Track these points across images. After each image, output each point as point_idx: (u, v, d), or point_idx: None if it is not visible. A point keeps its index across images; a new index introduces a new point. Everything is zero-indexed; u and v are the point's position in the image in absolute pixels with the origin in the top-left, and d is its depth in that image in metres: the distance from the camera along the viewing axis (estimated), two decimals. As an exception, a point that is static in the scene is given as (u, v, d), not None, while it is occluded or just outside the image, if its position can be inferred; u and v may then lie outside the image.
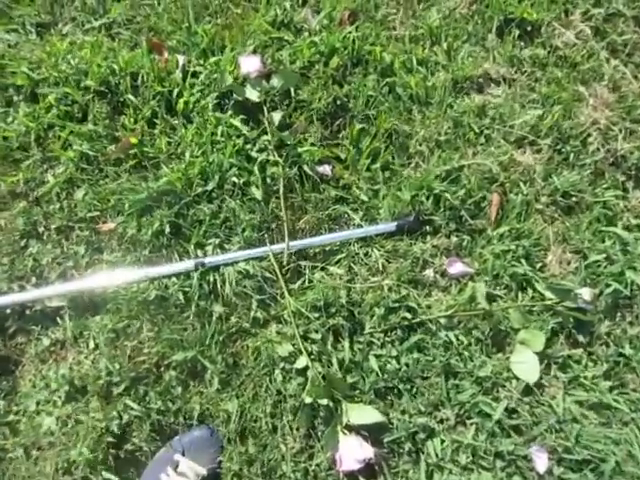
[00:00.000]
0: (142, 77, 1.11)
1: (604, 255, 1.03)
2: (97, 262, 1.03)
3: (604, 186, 1.09)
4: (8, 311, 1.00)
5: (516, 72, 1.19)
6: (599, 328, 1.01)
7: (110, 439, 0.92)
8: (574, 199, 1.09)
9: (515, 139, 1.13)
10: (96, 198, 1.04)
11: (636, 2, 1.23)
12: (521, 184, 1.09)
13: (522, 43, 1.21)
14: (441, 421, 0.96)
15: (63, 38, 1.14)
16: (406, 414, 0.95)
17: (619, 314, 1.01)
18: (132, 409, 0.93)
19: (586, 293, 0.99)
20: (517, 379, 0.97)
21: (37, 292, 1.00)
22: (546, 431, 0.95)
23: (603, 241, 1.05)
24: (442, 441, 0.94)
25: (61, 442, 0.94)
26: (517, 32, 1.20)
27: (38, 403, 0.97)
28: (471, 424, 0.95)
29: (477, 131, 1.12)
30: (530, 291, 1.03)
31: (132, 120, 1.09)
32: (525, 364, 0.97)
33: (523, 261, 1.04)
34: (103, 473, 0.91)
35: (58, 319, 1.00)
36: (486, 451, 0.93)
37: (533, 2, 1.22)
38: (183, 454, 0.93)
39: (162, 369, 0.98)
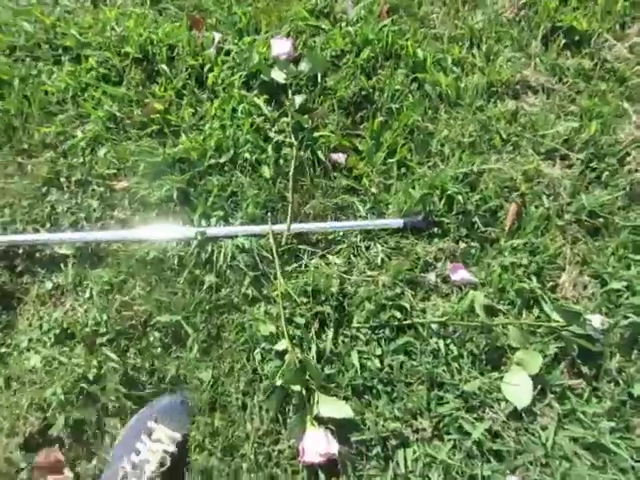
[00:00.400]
0: (178, 50, 1.16)
1: (626, 284, 0.95)
2: (107, 217, 1.08)
3: (638, 210, 1.00)
4: (20, 250, 1.06)
5: (557, 82, 1.14)
6: (608, 362, 0.92)
7: (84, 385, 0.95)
8: (601, 220, 1.01)
9: (545, 150, 1.07)
10: (116, 157, 1.09)
11: None
12: (544, 197, 1.03)
13: (568, 52, 1.16)
14: (417, 431, 0.91)
15: (112, 8, 1.21)
16: (381, 417, 0.91)
17: (635, 351, 0.93)
18: (111, 360, 0.96)
19: (597, 320, 0.91)
20: (506, 401, 0.90)
21: (48, 236, 1.05)
22: (530, 463, 0.87)
23: (628, 269, 0.97)
24: (414, 452, 0.89)
25: (41, 380, 0.97)
26: (564, 41, 1.15)
27: (30, 341, 1.01)
28: (448, 440, 0.89)
29: (504, 137, 1.08)
30: (536, 310, 0.96)
31: (162, 89, 1.14)
32: (517, 386, 0.90)
33: (533, 278, 0.97)
34: (70, 415, 0.93)
35: (62, 266, 1.05)
36: (460, 472, 0.87)
37: (586, 12, 1.16)
38: (156, 421, 0.94)
39: (147, 329, 1.00)
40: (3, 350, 1.01)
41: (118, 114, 1.11)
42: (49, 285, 1.05)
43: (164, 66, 1.14)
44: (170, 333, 0.99)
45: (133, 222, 1.07)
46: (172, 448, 0.90)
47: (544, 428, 0.89)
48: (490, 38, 1.16)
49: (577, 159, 1.05)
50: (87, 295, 1.03)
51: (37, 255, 1.07)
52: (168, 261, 1.02)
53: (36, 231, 1.07)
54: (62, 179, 1.10)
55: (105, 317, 0.99)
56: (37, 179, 1.10)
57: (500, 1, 1.19)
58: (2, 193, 1.09)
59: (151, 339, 0.99)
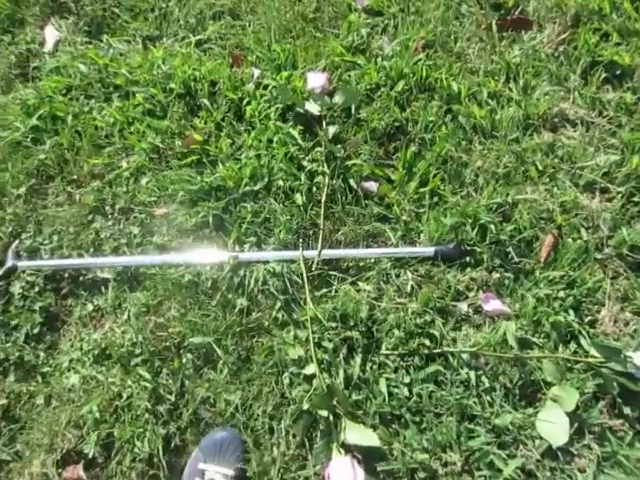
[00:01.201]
0: (219, 85, 1.31)
1: (671, 321, 0.97)
2: (147, 243, 1.20)
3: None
4: (65, 274, 1.20)
5: (597, 115, 1.20)
6: (647, 405, 0.93)
7: (118, 403, 1.04)
8: (643, 255, 1.05)
9: (584, 183, 1.13)
10: (157, 185, 1.23)
11: None
12: (582, 229, 1.08)
13: (608, 87, 1.22)
14: (446, 464, 0.94)
15: (159, 49, 1.39)
16: (409, 447, 0.95)
17: (682, 392, 0.93)
18: (144, 380, 1.05)
19: (638, 357, 0.93)
20: (541, 439, 0.93)
21: (92, 261, 1.19)
22: (567, 506, 0.89)
23: (672, 305, 0.99)
24: (444, 487, 0.92)
25: (79, 398, 1.08)
26: (604, 75, 1.22)
27: (71, 361, 1.13)
28: (479, 476, 0.92)
29: (541, 168, 1.14)
30: (573, 345, 0.99)
31: (203, 121, 1.28)
32: (553, 424, 0.92)
33: (571, 311, 1.01)
34: (105, 430, 1.02)
35: (103, 289, 1.18)
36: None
37: (628, 48, 1.23)
38: (205, 462, 1.01)
39: (180, 350, 1.10)
40: (46, 369, 1.12)
41: (161, 145, 1.26)
42: (90, 307, 1.17)
43: (205, 100, 1.29)
44: (202, 355, 1.08)
45: (170, 247, 1.19)
46: None
47: (582, 470, 0.91)
48: (527, 72, 1.24)
49: (618, 192, 1.10)
50: (125, 317, 1.14)
51: (80, 279, 1.20)
52: (202, 284, 1.13)
53: (80, 256, 1.21)
54: (107, 207, 1.25)
55: (141, 338, 1.09)
56: (84, 207, 1.25)
57: (538, 37, 1.27)
58: (52, 221, 1.24)
59: (184, 360, 1.08)
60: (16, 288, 1.18)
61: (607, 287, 1.03)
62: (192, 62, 1.34)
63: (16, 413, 1.09)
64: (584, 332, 0.99)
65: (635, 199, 1.10)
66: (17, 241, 1.22)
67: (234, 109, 1.29)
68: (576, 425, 0.92)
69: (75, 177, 1.28)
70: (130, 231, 1.22)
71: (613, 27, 1.24)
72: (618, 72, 1.22)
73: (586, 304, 1.02)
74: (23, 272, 1.19)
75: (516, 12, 1.31)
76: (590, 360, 0.95)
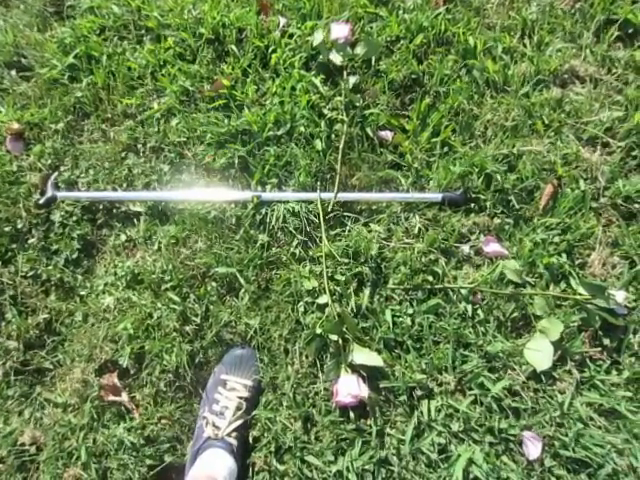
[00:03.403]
0: (246, 32, 1.38)
1: (655, 266, 1.08)
2: (176, 180, 1.32)
3: (674, 198, 1.13)
4: (100, 206, 1.32)
5: (606, 73, 1.27)
6: (631, 338, 1.05)
7: (149, 322, 1.19)
8: (637, 206, 1.14)
9: (587, 137, 1.21)
10: (186, 127, 1.33)
11: None
12: (581, 180, 1.17)
13: (620, 45, 1.28)
14: (441, 384, 1.08)
15: (191, -10, 1.46)
16: (409, 369, 1.09)
17: (659, 330, 1.05)
18: (174, 302, 1.19)
19: (621, 296, 1.05)
20: (528, 365, 1.06)
21: (125, 194, 1.30)
22: (546, 422, 1.02)
23: (659, 252, 1.09)
24: (438, 403, 1.06)
25: (114, 318, 1.22)
26: (617, 33, 1.28)
27: (105, 284, 1.26)
28: (470, 394, 1.06)
29: (547, 122, 1.22)
30: (563, 285, 1.10)
31: (231, 67, 1.37)
32: (539, 351, 1.05)
33: (564, 255, 1.12)
34: (138, 345, 1.17)
35: (136, 221, 1.30)
36: (479, 424, 1.03)
37: (642, 5, 1.29)
38: (227, 373, 1.15)
39: (206, 279, 1.23)
40: (83, 292, 1.26)
41: (190, 89, 1.35)
42: (123, 237, 1.30)
43: (233, 47, 1.37)
44: (225, 284, 1.21)
45: (198, 185, 1.30)
46: (245, 393, 1.12)
47: (562, 392, 1.04)
48: (543, 29, 1.30)
49: (618, 147, 1.18)
50: (155, 247, 1.27)
51: (114, 211, 1.32)
52: (227, 220, 1.25)
53: (114, 190, 1.33)
54: (139, 145, 1.35)
55: (170, 267, 1.22)
56: (118, 145, 1.35)
57: (556, -7, 1.33)
58: (88, 156, 1.35)
59: (209, 288, 1.21)
60: (56, 217, 1.30)
61: (599, 233, 1.13)
62: (221, 8, 1.41)
63: (57, 327, 1.24)
64: (574, 273, 1.10)
65: (634, 153, 1.18)
66: (56, 173, 1.34)
67: (260, 56, 1.37)
68: (559, 353, 1.05)
69: (109, 115, 1.38)
70: (161, 169, 1.33)
71: (629, -14, 1.29)
72: (630, 30, 1.28)
73: (578, 248, 1.13)
74: (62, 202, 1.31)
75: (537, -32, 1.35)
76: (577, 297, 1.07)
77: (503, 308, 1.10)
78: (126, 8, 1.46)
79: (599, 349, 1.05)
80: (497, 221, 1.18)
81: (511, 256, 1.14)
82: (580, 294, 1.07)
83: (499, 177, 1.18)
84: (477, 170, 1.19)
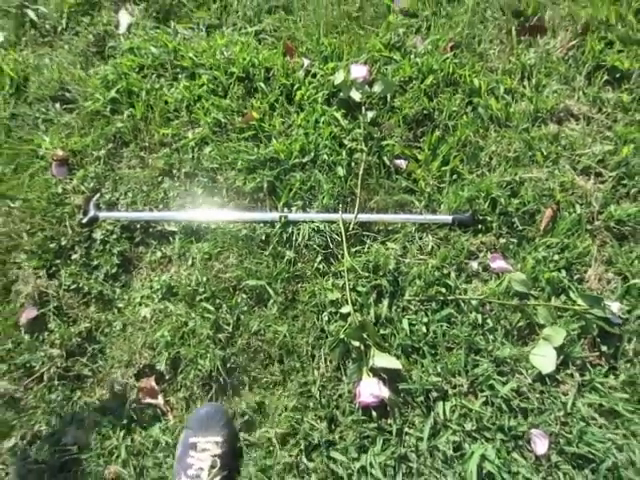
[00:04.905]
0: (273, 71, 1.56)
1: (645, 282, 1.22)
2: (208, 202, 1.46)
3: (660, 221, 1.28)
4: (138, 225, 1.46)
5: (597, 112, 1.44)
6: (626, 345, 1.18)
7: (184, 330, 1.31)
8: (628, 228, 1.29)
9: (581, 167, 1.37)
10: (219, 154, 1.48)
11: None
12: (577, 205, 1.32)
13: (609, 87, 1.47)
14: (455, 387, 1.20)
15: (222, 37, 1.64)
16: (425, 373, 1.21)
17: (651, 339, 1.19)
18: (208, 312, 1.31)
19: (615, 307, 1.18)
20: (533, 368, 1.18)
21: (161, 215, 1.45)
22: (551, 421, 1.14)
23: (649, 269, 1.24)
24: (452, 404, 1.18)
25: (150, 327, 1.34)
26: (606, 77, 1.47)
27: (142, 297, 1.39)
28: (481, 396, 1.18)
29: (545, 154, 1.39)
30: (563, 297, 1.24)
31: (259, 102, 1.54)
32: (543, 356, 1.18)
33: (563, 271, 1.26)
34: (174, 351, 1.29)
35: (171, 239, 1.44)
36: (490, 423, 1.15)
37: (629, 55, 1.48)
38: (196, 435, 1.20)
39: (237, 291, 1.36)
40: (121, 304, 1.39)
41: (223, 120, 1.51)
42: (159, 254, 1.43)
43: (261, 84, 1.55)
44: (255, 295, 1.34)
45: (229, 207, 1.45)
46: (218, 450, 1.17)
47: (565, 394, 1.16)
48: (540, 73, 1.48)
49: (609, 176, 1.34)
50: (190, 263, 1.40)
51: (151, 230, 1.45)
52: (256, 238, 1.39)
53: (151, 211, 1.47)
54: (174, 171, 1.51)
55: (204, 279, 1.35)
56: (154, 170, 1.50)
57: (552, 42, 1.52)
58: (127, 180, 1.50)
59: (239, 299, 1.34)
60: (97, 235, 1.43)
61: (594, 252, 1.28)
62: (250, 50, 1.59)
63: (97, 336, 1.36)
64: (573, 287, 1.24)
65: (624, 182, 1.34)
66: (97, 195, 1.48)
67: (286, 93, 1.54)
68: (562, 357, 1.17)
69: (147, 144, 1.54)
70: (195, 192, 1.48)
71: (617, 36, 1.48)
72: (618, 75, 1.46)
73: (576, 265, 1.27)
74: (104, 222, 1.45)
75: (534, 19, 1.55)
76: (576, 307, 1.20)
77: (510, 318, 1.24)
78: (163, 49, 1.64)
79: (597, 354, 1.18)
80: (502, 240, 1.32)
81: (516, 271, 1.28)
82: (579, 305, 1.21)
83: (503, 201, 1.33)
84: (483, 195, 1.35)
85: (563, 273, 1.26)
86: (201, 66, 1.61)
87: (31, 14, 1.76)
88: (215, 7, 1.72)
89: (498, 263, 1.29)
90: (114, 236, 1.44)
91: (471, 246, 1.32)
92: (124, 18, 1.73)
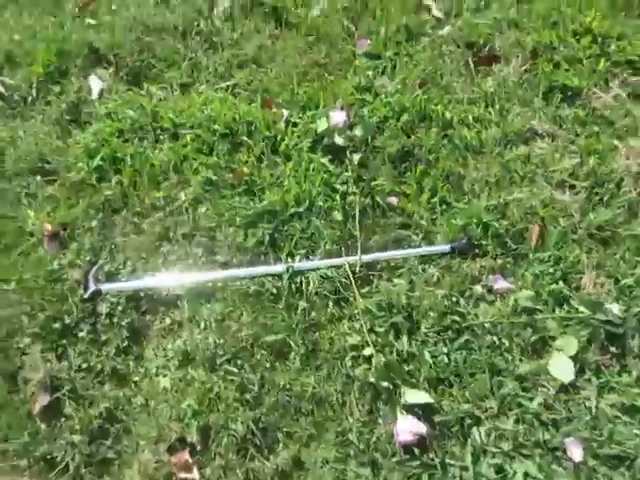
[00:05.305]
0: (255, 124, 1.45)
1: (635, 279, 1.19)
2: (211, 261, 1.32)
3: (636, 222, 1.26)
4: (142, 294, 1.30)
5: (558, 128, 1.42)
6: (630, 343, 1.15)
7: (210, 396, 1.16)
8: (608, 233, 1.27)
9: (556, 182, 1.34)
10: (215, 212, 1.35)
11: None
12: (560, 218, 1.29)
13: (565, 105, 1.45)
14: (485, 410, 1.12)
15: (199, 94, 1.51)
16: (455, 401, 1.13)
17: (649, 332, 1.16)
18: (232, 374, 1.18)
19: (615, 309, 1.15)
20: (554, 380, 1.12)
21: (164, 280, 1.29)
22: (581, 427, 1.08)
23: (635, 268, 1.22)
24: (486, 427, 1.10)
25: (173, 397, 1.19)
26: (560, 96, 1.45)
27: (157, 367, 1.23)
28: (512, 414, 1.11)
29: (522, 174, 1.35)
30: (566, 306, 1.20)
31: (245, 156, 1.42)
32: (561, 367, 1.12)
33: (560, 282, 1.22)
34: (203, 419, 1.14)
35: (178, 303, 1.29)
36: (526, 439, 1.08)
37: (576, 73, 1.47)
38: None
39: (255, 349, 1.23)
40: (137, 378, 1.22)
41: (213, 178, 1.38)
42: (168, 320, 1.28)
43: (245, 138, 1.43)
44: (274, 351, 1.22)
45: (232, 263, 1.31)
46: None
47: (587, 398, 1.11)
48: (501, 98, 1.45)
49: (582, 187, 1.32)
50: (202, 326, 1.26)
51: (156, 297, 1.30)
52: (266, 292, 1.26)
53: (154, 277, 1.31)
54: (171, 234, 1.36)
55: (222, 341, 1.21)
56: (151, 235, 1.35)
57: (505, 69, 1.49)
58: (124, 248, 1.34)
59: (259, 357, 1.21)
60: (102, 308, 1.27)
61: (584, 259, 1.24)
62: (229, 106, 1.47)
63: (118, 415, 1.19)
64: (573, 295, 1.20)
65: (596, 190, 1.32)
66: (96, 267, 1.31)
67: (270, 144, 1.43)
68: (578, 365, 1.13)
69: (139, 209, 1.38)
70: (195, 252, 1.33)
71: (563, 57, 1.47)
72: (570, 93, 1.45)
73: (571, 274, 1.23)
74: (107, 294, 1.28)
75: (486, 50, 1.52)
76: (580, 315, 1.16)
77: (522, 335, 1.18)
78: (141, 111, 1.49)
79: (608, 356, 1.14)
80: (499, 261, 1.27)
81: (519, 288, 1.23)
82: (583, 312, 1.16)
83: (495, 224, 1.28)
84: (475, 221, 1.29)
85: (561, 284, 1.21)
86: (182, 126, 1.47)
87: (-2, 86, 1.55)
88: (185, 65, 1.58)
89: (500, 284, 1.24)
90: (120, 307, 1.28)
91: (472, 271, 1.26)
92: (95, 83, 1.56)
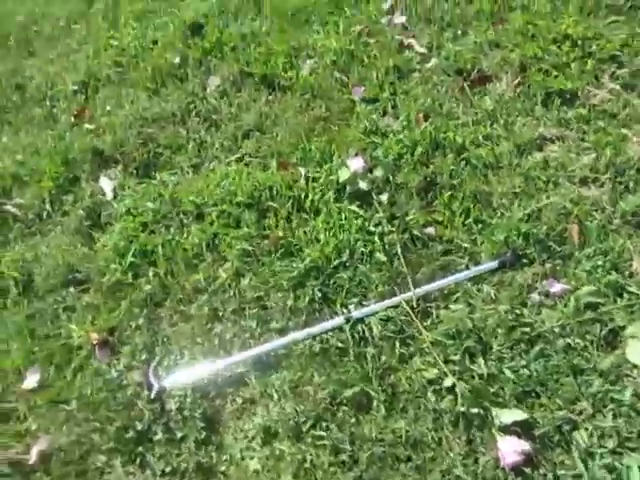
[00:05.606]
0: (276, 188, 1.63)
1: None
2: (267, 331, 1.46)
3: (665, 201, 1.47)
4: (206, 380, 1.41)
5: (566, 130, 1.65)
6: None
7: (306, 465, 1.26)
8: (643, 216, 1.47)
9: (579, 180, 1.55)
10: (259, 282, 1.50)
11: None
12: (593, 213, 1.48)
13: (565, 107, 1.69)
14: (580, 413, 1.25)
15: (214, 172, 1.70)
16: (548, 411, 1.25)
17: None
18: (321, 439, 1.28)
19: (673, 285, 1.32)
20: (636, 367, 1.27)
21: (226, 361, 1.41)
22: (676, 408, 1.22)
23: (678, 244, 1.41)
24: (586, 429, 1.23)
25: (267, 478, 1.28)
26: (559, 100, 1.69)
27: (241, 450, 1.33)
28: (607, 411, 1.24)
29: (545, 179, 1.55)
30: (626, 294, 1.36)
31: (274, 220, 1.59)
32: (639, 353, 1.27)
33: (613, 272, 1.39)
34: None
35: (246, 380, 1.40)
36: (629, 432, 1.21)
37: (567, 76, 1.72)
38: None
39: (335, 407, 1.34)
40: (223, 467, 1.32)
41: (249, 248, 1.54)
42: (240, 400, 1.39)
43: (270, 202, 1.61)
44: (355, 404, 1.34)
45: (289, 328, 1.45)
46: None
47: (671, 378, 1.26)
48: (503, 114, 1.68)
49: (605, 179, 1.53)
50: (276, 397, 1.37)
51: (221, 380, 1.41)
52: (332, 348, 1.40)
53: (214, 361, 1.43)
54: (220, 313, 1.49)
55: (302, 407, 1.33)
56: (200, 319, 1.49)
57: (499, 86, 1.74)
58: (177, 338, 1.47)
59: (342, 414, 1.32)
60: (172, 405, 1.37)
61: (629, 246, 1.43)
62: (245, 176, 1.66)
63: (215, 513, 1.27)
64: (629, 282, 1.37)
65: (619, 180, 1.53)
66: (153, 365, 1.42)
67: (296, 203, 1.61)
68: (657, 348, 1.28)
69: (182, 296, 1.52)
70: (249, 326, 1.47)
71: (550, 65, 1.73)
72: (567, 96, 1.70)
73: (620, 263, 1.41)
74: (171, 389, 1.39)
75: (476, 72, 1.77)
76: (642, 300, 1.33)
77: (592, 331, 1.33)
78: (159, 201, 1.66)
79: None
80: (548, 266, 1.44)
81: (575, 288, 1.39)
82: (643, 296, 1.33)
83: (534, 231, 1.46)
84: (514, 232, 1.47)
85: (614, 274, 1.39)
86: (205, 205, 1.64)
87: (11, 209, 1.71)
88: (191, 147, 1.78)
89: (556, 286, 1.40)
90: (188, 400, 1.38)
91: (525, 281, 1.43)
92: (106, 184, 1.74)
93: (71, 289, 1.58)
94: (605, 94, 1.64)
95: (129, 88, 1.93)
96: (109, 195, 1.72)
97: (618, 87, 1.65)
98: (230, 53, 2.01)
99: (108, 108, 1.84)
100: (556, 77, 1.73)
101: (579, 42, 1.73)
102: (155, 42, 2.22)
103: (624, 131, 1.57)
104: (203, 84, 1.86)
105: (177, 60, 2.01)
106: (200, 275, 1.54)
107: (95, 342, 1.46)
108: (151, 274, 1.54)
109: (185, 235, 1.60)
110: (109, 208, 1.69)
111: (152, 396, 1.38)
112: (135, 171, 1.77)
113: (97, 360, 1.45)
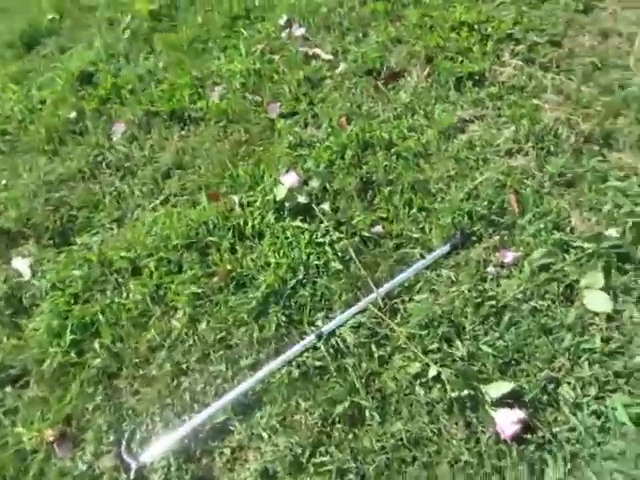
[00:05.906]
0: (212, 222, 1.73)
1: (613, 204, 1.63)
2: (239, 370, 1.53)
3: (584, 158, 1.73)
4: (187, 440, 1.45)
5: (482, 109, 1.89)
6: (636, 255, 1.56)
7: (315, 498, 1.35)
8: (569, 175, 1.71)
9: (504, 152, 1.79)
10: (217, 322, 1.58)
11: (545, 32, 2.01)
12: (525, 180, 1.72)
13: (477, 88, 1.94)
14: (559, 369, 1.44)
15: (139, 220, 1.76)
16: (530, 375, 1.43)
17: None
18: (323, 464, 1.37)
19: (613, 232, 1.57)
20: (597, 314, 1.48)
21: (202, 415, 1.46)
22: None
23: (605, 194, 1.66)
24: (568, 383, 1.41)
25: (277, 519, 1.35)
26: (470, 83, 1.94)
27: (245, 501, 1.39)
28: (583, 361, 1.44)
29: (474, 158, 1.78)
30: (572, 250, 1.59)
31: (218, 255, 1.68)
32: (598, 301, 1.49)
33: (555, 231, 1.62)
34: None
35: (230, 427, 1.46)
36: (605, 377, 1.41)
37: (471, 60, 1.97)
38: None
39: (328, 427, 1.44)
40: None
41: (198, 291, 1.62)
42: (228, 451, 1.45)
43: (209, 238, 1.70)
44: (348, 418, 1.44)
45: (261, 360, 1.54)
46: None
47: (632, 316, 1.48)
48: (420, 104, 1.90)
49: (528, 147, 1.78)
50: (265, 436, 1.45)
51: (203, 435, 1.46)
52: (310, 369, 1.50)
53: (190, 418, 1.48)
54: (184, 366, 1.55)
55: (297, 438, 1.41)
56: (163, 378, 1.54)
57: (410, 79, 1.96)
58: (142, 407, 1.50)
59: (337, 433, 1.42)
60: (156, 478, 1.40)
61: (563, 204, 1.66)
62: (177, 218, 1.74)
63: None
64: (572, 238, 1.60)
65: (540, 146, 1.79)
66: (124, 443, 1.43)
67: (237, 232, 1.71)
68: (611, 292, 1.50)
69: (137, 360, 1.56)
70: (219, 370, 1.54)
71: (454, 51, 1.98)
72: (476, 77, 1.95)
73: (560, 222, 1.64)
74: (152, 463, 1.42)
75: (385, 70, 1.98)
76: (589, 251, 1.56)
77: (551, 290, 1.54)
78: (86, 266, 1.70)
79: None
80: (496, 238, 1.65)
81: (526, 254, 1.60)
82: (588, 247, 1.56)
83: (476, 208, 1.67)
84: (458, 213, 1.67)
85: (557, 233, 1.61)
86: (139, 258, 1.70)
87: None
88: (108, 201, 1.83)
89: (509, 256, 1.60)
90: (173, 468, 1.41)
91: (479, 257, 1.62)
92: (20, 263, 1.77)
93: (7, 388, 1.56)
94: (510, 70, 1.92)
95: (24, 155, 1.96)
96: (27, 275, 1.72)
97: (520, 62, 1.93)
98: (130, 96, 2.11)
99: (4, 182, 1.85)
100: (462, 62, 1.99)
101: (475, 26, 2.01)
102: (43, 102, 2.27)
103: (535, 101, 1.84)
104: (107, 133, 1.93)
105: (73, 115, 2.07)
106: (152, 332, 1.59)
107: (51, 439, 1.44)
108: (97, 346, 1.57)
109: (125, 295, 1.65)
110: (30, 288, 1.70)
111: (132, 476, 1.39)
112: (51, 241, 1.80)
113: (59, 458, 1.44)
